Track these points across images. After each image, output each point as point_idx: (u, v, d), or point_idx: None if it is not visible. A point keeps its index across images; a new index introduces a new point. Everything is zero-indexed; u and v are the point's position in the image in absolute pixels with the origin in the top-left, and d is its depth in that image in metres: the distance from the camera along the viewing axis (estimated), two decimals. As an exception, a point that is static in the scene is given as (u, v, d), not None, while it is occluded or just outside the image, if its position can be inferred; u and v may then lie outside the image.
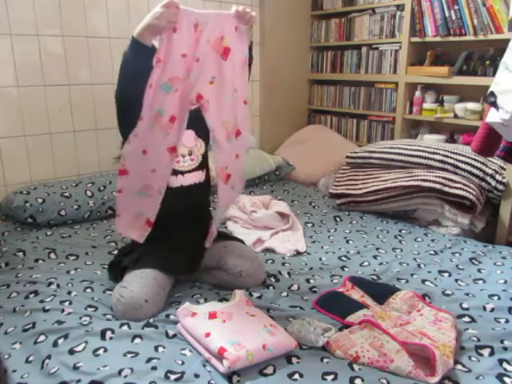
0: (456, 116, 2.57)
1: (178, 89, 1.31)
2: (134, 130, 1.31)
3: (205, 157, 1.58)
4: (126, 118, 1.42)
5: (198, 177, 1.56)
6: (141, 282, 1.35)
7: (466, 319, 1.34)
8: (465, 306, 1.41)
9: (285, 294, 1.50)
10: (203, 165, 1.58)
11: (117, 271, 1.50)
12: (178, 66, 1.28)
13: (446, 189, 2.03)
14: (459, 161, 2.11)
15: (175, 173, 1.51)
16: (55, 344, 1.18)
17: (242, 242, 1.72)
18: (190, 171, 1.54)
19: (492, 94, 1.43)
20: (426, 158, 2.18)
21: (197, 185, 1.55)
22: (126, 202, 1.40)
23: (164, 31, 1.25)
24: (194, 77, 1.31)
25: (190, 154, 1.54)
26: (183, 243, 1.51)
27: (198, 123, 1.46)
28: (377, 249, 1.89)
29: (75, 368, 1.09)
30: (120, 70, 1.35)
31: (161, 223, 1.52)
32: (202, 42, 1.30)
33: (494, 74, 1.62)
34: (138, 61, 1.30)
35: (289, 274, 1.65)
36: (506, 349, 1.19)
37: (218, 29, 1.31)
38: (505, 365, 1.13)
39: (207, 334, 1.15)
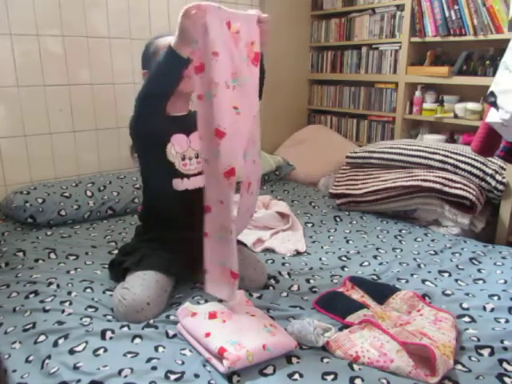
0: (456, 116, 2.57)
1: (217, 94, 1.17)
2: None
3: None
4: (146, 148, 1.45)
5: (203, 180, 1.53)
6: (143, 285, 1.35)
7: (466, 319, 1.34)
8: (465, 305, 1.41)
9: (285, 294, 1.50)
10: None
11: (118, 271, 1.50)
12: (212, 67, 1.17)
13: (446, 189, 2.03)
14: (459, 161, 2.11)
15: (181, 176, 1.50)
16: (55, 344, 1.18)
17: (245, 245, 1.72)
18: (195, 174, 1.52)
19: (492, 94, 1.43)
20: (426, 157, 2.18)
21: (202, 188, 1.54)
22: (213, 248, 1.27)
23: (197, 35, 1.17)
24: (241, 83, 1.22)
25: (197, 157, 1.52)
26: (185, 245, 1.51)
27: None
28: (377, 249, 1.89)
29: (75, 368, 1.09)
30: (152, 80, 1.30)
31: (164, 225, 1.52)
32: (242, 46, 1.22)
33: (493, 74, 1.62)
34: (174, 72, 1.27)
35: (289, 274, 1.65)
36: (505, 349, 1.19)
37: (248, 32, 1.25)
38: (505, 365, 1.13)
39: (207, 334, 1.15)
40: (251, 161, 1.37)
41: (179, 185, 1.50)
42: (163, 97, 1.34)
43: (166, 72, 1.28)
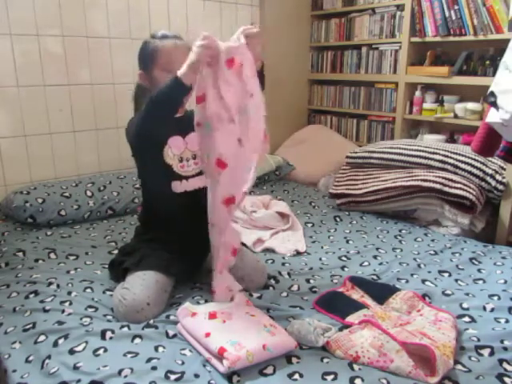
0: (456, 116, 2.57)
1: (220, 128, 1.23)
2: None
3: None
4: (144, 152, 1.44)
5: (201, 181, 1.53)
6: (143, 285, 1.35)
7: (466, 319, 1.34)
8: (465, 306, 1.41)
9: (285, 294, 1.50)
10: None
11: (118, 271, 1.50)
12: (214, 102, 1.21)
13: (446, 189, 2.03)
14: (459, 161, 2.11)
15: (179, 178, 1.50)
16: (55, 344, 1.18)
17: (244, 245, 1.71)
18: (193, 176, 1.52)
19: (492, 93, 1.43)
20: (426, 158, 2.18)
21: (200, 189, 1.54)
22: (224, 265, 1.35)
23: (203, 66, 1.20)
24: (249, 113, 1.24)
25: (194, 158, 1.52)
26: (185, 245, 1.51)
27: None
28: (377, 249, 1.89)
29: (75, 368, 1.09)
30: (151, 108, 1.28)
31: (163, 225, 1.52)
32: (245, 78, 1.21)
33: (493, 74, 1.62)
34: (177, 100, 1.26)
35: (289, 274, 1.65)
36: (506, 349, 1.19)
37: (250, 62, 1.23)
38: (505, 365, 1.13)
39: (207, 334, 1.15)
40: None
41: (178, 187, 1.50)
42: (162, 121, 1.33)
43: (168, 99, 1.25)
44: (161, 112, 1.28)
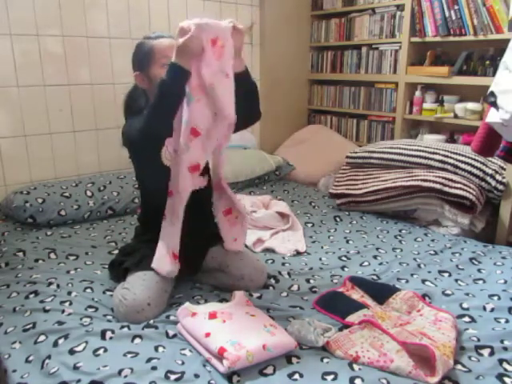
0: (456, 116, 2.57)
1: (201, 99, 1.30)
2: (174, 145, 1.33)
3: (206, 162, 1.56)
4: (142, 155, 1.45)
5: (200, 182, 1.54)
6: (143, 285, 1.35)
7: (466, 319, 1.34)
8: (465, 306, 1.41)
9: (285, 294, 1.50)
10: (205, 170, 1.52)
11: (118, 271, 1.50)
12: (196, 74, 1.28)
13: (446, 189, 2.03)
14: (459, 161, 2.11)
15: None
16: (55, 344, 1.18)
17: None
18: None
19: (492, 93, 1.43)
20: (426, 158, 2.18)
21: (199, 190, 1.54)
22: (165, 229, 1.43)
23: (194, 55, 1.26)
24: (222, 93, 1.29)
25: None
26: (185, 245, 1.51)
27: None
28: (377, 249, 1.89)
29: (75, 368, 1.09)
30: (158, 103, 1.28)
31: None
32: (225, 60, 1.28)
33: (493, 74, 1.62)
34: (182, 86, 1.28)
35: (289, 274, 1.65)
36: (506, 349, 1.19)
37: (230, 45, 1.29)
38: (505, 365, 1.13)
39: (207, 334, 1.15)
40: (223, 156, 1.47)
41: None
42: (172, 114, 1.33)
43: (173, 88, 1.27)
44: (169, 104, 1.29)
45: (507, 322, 1.32)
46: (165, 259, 1.40)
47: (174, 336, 1.24)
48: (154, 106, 1.28)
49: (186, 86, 1.29)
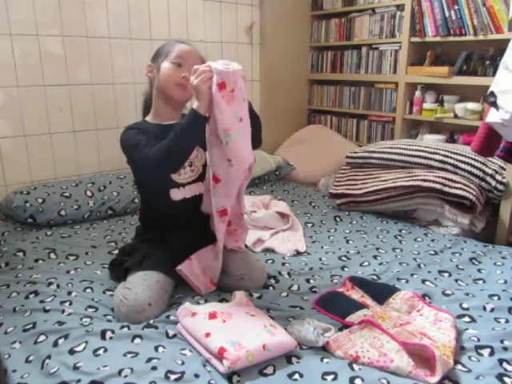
0: (456, 116, 2.57)
1: (214, 146, 1.36)
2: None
3: (205, 167, 1.55)
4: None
5: (199, 188, 1.54)
6: (144, 285, 1.35)
7: (466, 319, 1.34)
8: (465, 306, 1.41)
9: (285, 294, 1.50)
10: (204, 176, 1.54)
11: (119, 271, 1.50)
12: (212, 121, 1.33)
13: (446, 189, 2.03)
14: (459, 161, 2.11)
15: (177, 186, 1.50)
16: (55, 344, 1.18)
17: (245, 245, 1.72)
18: (190, 183, 1.53)
19: (492, 93, 1.43)
20: (426, 158, 2.18)
21: (198, 196, 1.54)
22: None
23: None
24: (237, 137, 1.32)
25: (191, 166, 1.52)
26: (186, 246, 1.51)
27: None
28: (377, 249, 1.89)
29: (75, 368, 1.09)
30: (173, 147, 1.34)
31: (163, 226, 1.52)
32: (235, 104, 1.30)
33: (494, 74, 1.62)
34: (200, 131, 1.34)
35: (289, 274, 1.65)
36: (506, 349, 1.19)
37: (241, 88, 1.32)
38: (505, 365, 1.13)
39: (207, 334, 1.15)
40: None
41: (177, 194, 1.50)
42: (182, 157, 1.40)
43: (192, 133, 1.33)
44: (182, 147, 1.36)
45: (507, 322, 1.32)
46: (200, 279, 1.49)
47: (174, 336, 1.24)
48: (168, 146, 1.33)
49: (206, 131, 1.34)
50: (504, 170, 2.08)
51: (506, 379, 1.07)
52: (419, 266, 1.72)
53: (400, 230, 2.10)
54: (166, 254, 1.48)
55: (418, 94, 2.75)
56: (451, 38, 2.50)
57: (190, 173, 1.52)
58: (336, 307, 1.38)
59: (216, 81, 1.27)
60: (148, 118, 1.55)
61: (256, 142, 1.48)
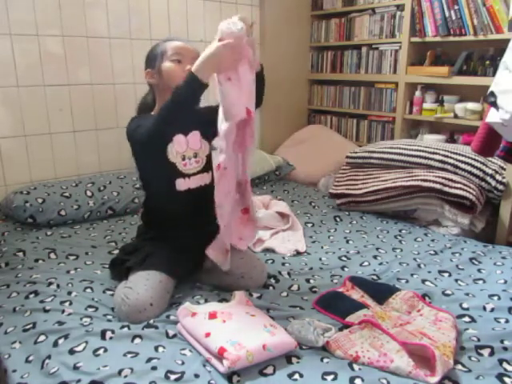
0: (456, 116, 2.57)
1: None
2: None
3: (209, 158, 1.56)
4: (149, 151, 1.45)
5: (203, 179, 1.54)
6: (147, 285, 1.35)
7: (466, 319, 1.34)
8: (465, 306, 1.41)
9: (285, 294, 1.50)
10: (208, 167, 1.55)
11: (120, 270, 1.50)
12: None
13: (446, 189, 2.03)
14: (459, 161, 2.11)
15: (183, 176, 1.50)
16: (55, 344, 1.18)
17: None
18: (195, 174, 1.53)
19: (492, 93, 1.43)
20: (426, 158, 2.18)
21: (203, 187, 1.54)
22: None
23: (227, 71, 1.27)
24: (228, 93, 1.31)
25: (196, 156, 1.53)
26: (188, 244, 1.51)
27: (204, 124, 1.46)
28: (377, 249, 1.89)
29: (75, 368, 1.09)
30: (170, 109, 1.31)
31: (166, 224, 1.52)
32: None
33: (493, 74, 1.62)
34: (195, 97, 1.30)
35: (289, 274, 1.65)
36: (506, 349, 1.19)
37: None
38: (505, 365, 1.13)
39: (207, 334, 1.15)
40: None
41: (182, 184, 1.50)
42: (179, 119, 1.36)
43: (186, 97, 1.29)
44: (179, 111, 1.31)
45: (507, 322, 1.32)
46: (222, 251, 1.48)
47: (174, 336, 1.24)
48: (166, 110, 1.32)
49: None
50: (504, 169, 2.08)
51: (506, 379, 1.08)
52: (419, 266, 1.72)
53: (400, 230, 2.10)
54: (169, 252, 1.48)
55: (417, 94, 2.75)
56: (451, 38, 2.50)
57: (194, 164, 1.53)
58: (336, 307, 1.38)
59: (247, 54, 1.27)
60: (154, 113, 1.56)
61: (257, 103, 1.48)
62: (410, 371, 1.08)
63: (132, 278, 1.40)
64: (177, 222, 1.51)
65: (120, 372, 1.07)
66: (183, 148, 1.50)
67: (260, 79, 1.43)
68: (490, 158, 2.12)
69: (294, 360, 1.14)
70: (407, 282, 1.60)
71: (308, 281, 1.60)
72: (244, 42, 1.27)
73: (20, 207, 2.00)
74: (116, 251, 1.73)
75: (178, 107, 1.30)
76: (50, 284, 1.50)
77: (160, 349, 1.18)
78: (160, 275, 1.40)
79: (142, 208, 1.67)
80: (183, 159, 1.50)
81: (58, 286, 1.49)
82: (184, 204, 1.51)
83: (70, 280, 1.53)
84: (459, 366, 1.12)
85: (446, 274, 1.65)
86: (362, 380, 1.07)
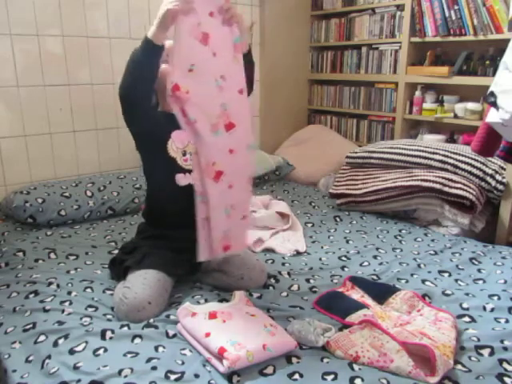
0: (456, 116, 2.57)
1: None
2: None
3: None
4: (131, 116, 1.44)
5: None
6: (145, 284, 1.35)
7: (466, 319, 1.34)
8: (465, 306, 1.41)
9: (285, 294, 1.50)
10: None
11: (119, 270, 1.50)
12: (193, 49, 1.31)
13: (446, 189, 2.03)
14: (459, 161, 2.11)
15: (183, 171, 1.50)
16: (55, 344, 1.18)
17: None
18: None
19: (492, 94, 1.43)
20: (426, 158, 2.18)
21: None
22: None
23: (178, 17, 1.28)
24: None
25: (196, 153, 1.53)
26: (186, 243, 1.51)
27: None
28: (377, 249, 1.89)
29: (75, 368, 1.09)
30: (128, 71, 1.35)
31: (166, 222, 1.52)
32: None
33: (493, 74, 1.62)
34: (151, 62, 1.33)
35: (289, 274, 1.65)
36: (506, 349, 1.19)
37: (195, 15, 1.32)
38: (505, 365, 1.13)
39: (207, 334, 1.15)
40: (225, 148, 1.38)
41: (182, 179, 1.50)
42: (142, 91, 1.37)
43: (141, 60, 1.33)
44: (137, 73, 1.34)
45: (507, 322, 1.32)
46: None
47: (174, 336, 1.24)
48: (126, 70, 1.36)
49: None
50: (504, 169, 2.08)
51: (506, 379, 1.08)
52: (419, 266, 1.72)
53: (400, 230, 2.10)
54: (167, 252, 1.48)
55: (417, 93, 2.75)
56: (451, 38, 2.50)
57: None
58: (336, 307, 1.38)
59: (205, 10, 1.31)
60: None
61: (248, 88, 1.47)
62: (410, 371, 1.08)
63: (130, 278, 1.40)
64: (177, 221, 1.51)
65: (120, 372, 1.07)
66: (184, 143, 1.50)
67: (247, 61, 1.43)
68: (489, 158, 2.12)
69: (294, 360, 1.14)
70: (407, 281, 1.60)
71: (308, 281, 1.60)
72: None
73: (20, 207, 2.00)
74: (116, 251, 1.73)
75: (133, 66, 1.34)
76: (50, 284, 1.50)
77: (160, 349, 1.18)
78: (158, 274, 1.40)
79: (145, 204, 1.67)
80: (184, 154, 1.50)
81: (57, 285, 1.49)
82: (184, 201, 1.51)
83: (69, 280, 1.53)
84: (459, 366, 1.12)
85: (446, 274, 1.65)
86: (362, 380, 1.07)
